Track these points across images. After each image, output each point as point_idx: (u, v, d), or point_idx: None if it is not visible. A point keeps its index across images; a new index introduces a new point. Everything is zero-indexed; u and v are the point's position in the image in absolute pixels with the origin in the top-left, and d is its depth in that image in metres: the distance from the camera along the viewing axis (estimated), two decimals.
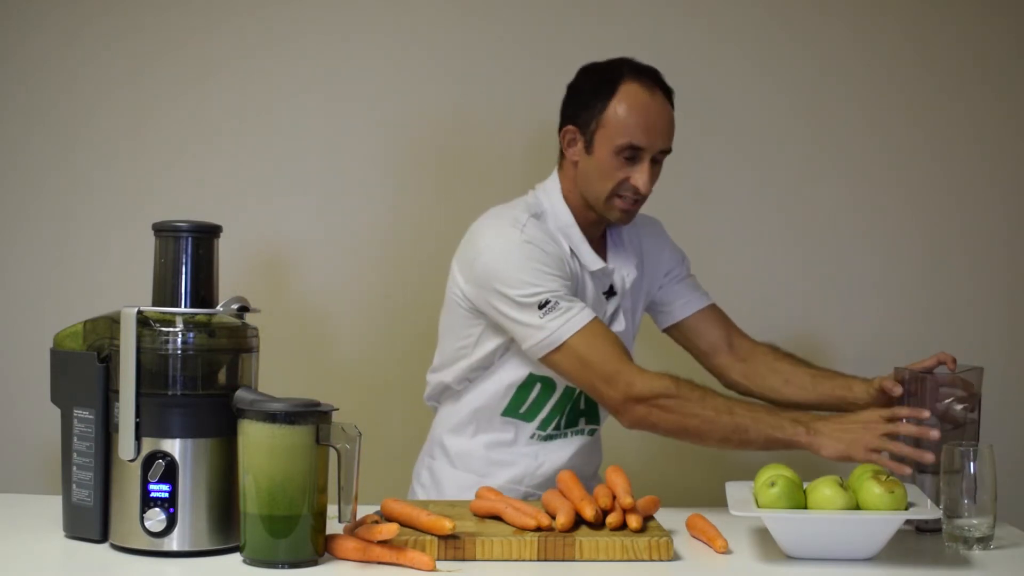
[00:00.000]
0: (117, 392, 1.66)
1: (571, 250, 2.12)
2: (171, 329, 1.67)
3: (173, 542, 1.65)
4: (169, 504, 1.64)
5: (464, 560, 1.63)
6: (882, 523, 1.64)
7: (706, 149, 2.95)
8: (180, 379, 1.67)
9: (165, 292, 1.72)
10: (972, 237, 2.96)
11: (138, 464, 1.65)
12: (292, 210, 2.88)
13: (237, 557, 1.65)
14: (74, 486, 1.73)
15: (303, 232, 2.89)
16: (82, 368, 1.72)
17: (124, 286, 2.71)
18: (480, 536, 1.64)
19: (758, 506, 1.69)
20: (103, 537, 1.72)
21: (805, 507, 1.69)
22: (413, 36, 2.93)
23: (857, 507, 1.68)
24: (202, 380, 1.68)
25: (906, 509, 1.68)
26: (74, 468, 1.73)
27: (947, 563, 1.68)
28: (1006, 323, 2.96)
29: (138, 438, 1.66)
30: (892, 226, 2.97)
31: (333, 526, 1.68)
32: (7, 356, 2.90)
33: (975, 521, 1.73)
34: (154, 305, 1.71)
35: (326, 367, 2.88)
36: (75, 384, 1.72)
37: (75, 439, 1.72)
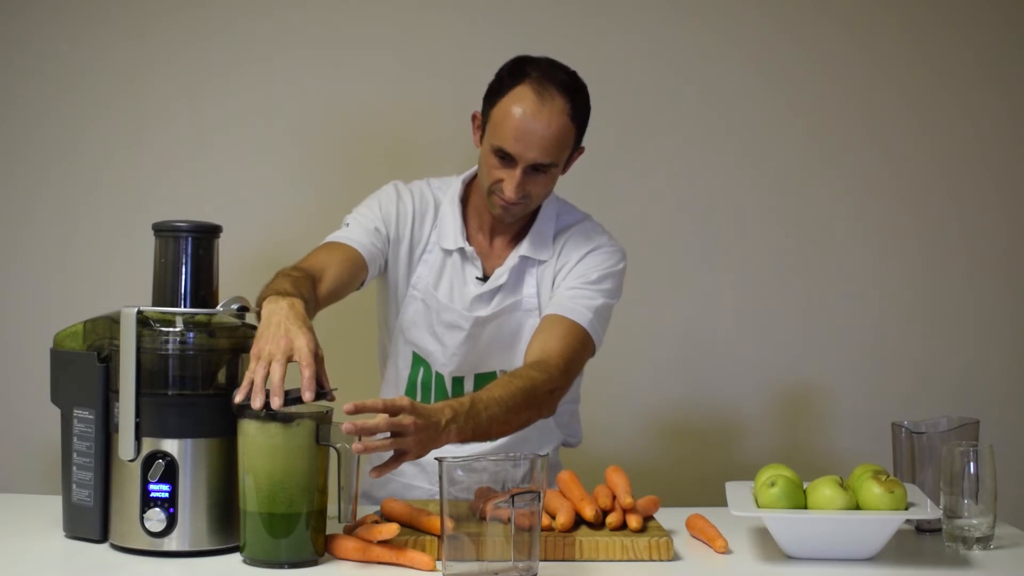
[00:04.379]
0: (117, 392, 1.66)
1: (435, 220, 2.16)
2: (171, 329, 1.67)
3: (173, 542, 1.65)
4: (169, 504, 1.64)
5: (465, 560, 1.63)
6: (882, 523, 1.64)
7: (704, 150, 2.95)
8: (180, 379, 1.67)
9: (165, 292, 1.72)
10: (972, 237, 2.96)
11: (138, 464, 1.65)
12: (292, 210, 2.88)
13: (237, 557, 1.65)
14: (74, 486, 1.73)
15: (303, 232, 2.88)
16: (82, 368, 1.72)
17: (124, 286, 2.71)
18: (482, 536, 1.64)
19: (758, 506, 1.69)
20: (103, 537, 1.72)
21: (805, 507, 1.69)
22: (414, 39, 2.93)
23: (857, 507, 1.68)
24: (202, 380, 1.68)
25: (906, 509, 1.68)
26: (74, 468, 1.73)
27: (947, 563, 1.68)
28: (1006, 323, 2.96)
29: (138, 438, 1.66)
30: (891, 228, 2.97)
31: (333, 526, 1.68)
32: (7, 356, 2.90)
33: (975, 521, 1.73)
34: (154, 305, 1.71)
35: (326, 367, 2.88)
36: (75, 384, 1.72)
37: (75, 439, 1.72)
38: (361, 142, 2.91)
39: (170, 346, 1.66)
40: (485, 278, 2.15)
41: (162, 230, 1.73)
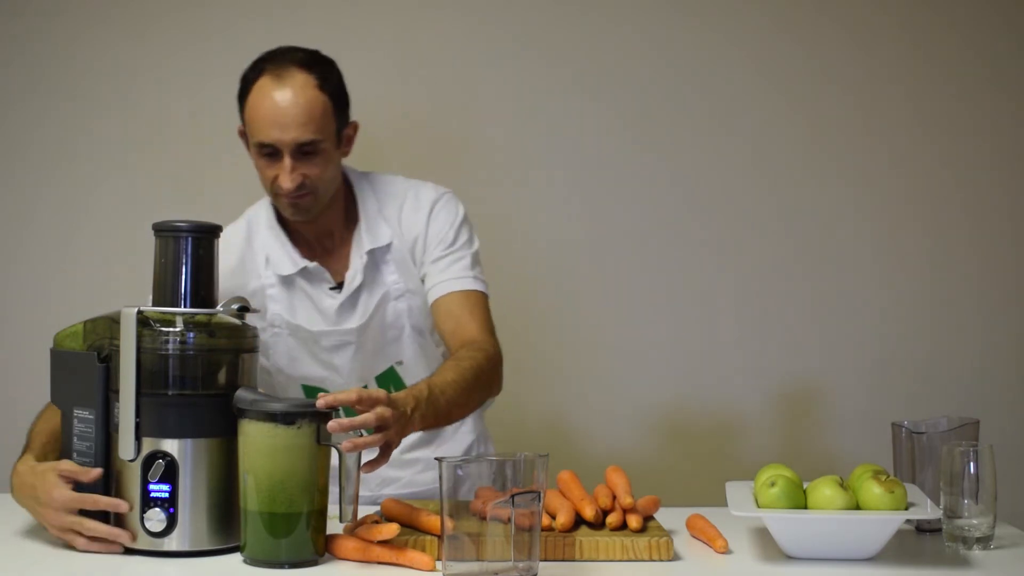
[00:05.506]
0: (117, 392, 1.66)
1: (268, 255, 2.08)
2: (171, 329, 1.67)
3: (173, 542, 1.65)
4: (169, 504, 1.64)
5: (465, 560, 1.63)
6: (882, 523, 1.64)
7: (705, 150, 2.95)
8: (180, 379, 1.66)
9: (165, 292, 1.72)
10: (974, 236, 2.96)
11: (138, 464, 1.65)
12: None
13: (237, 557, 1.65)
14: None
15: None
16: (82, 368, 1.71)
17: (124, 286, 2.71)
18: (482, 536, 1.64)
19: (758, 506, 1.69)
20: None
21: (805, 507, 1.69)
22: (414, 39, 2.93)
23: (857, 507, 1.68)
24: (202, 380, 1.68)
25: (906, 509, 1.68)
26: None
27: (947, 563, 1.68)
28: (1009, 323, 2.96)
29: (138, 438, 1.65)
30: (892, 228, 2.97)
31: (333, 526, 1.68)
32: (7, 356, 2.90)
33: (975, 521, 1.73)
34: (154, 305, 1.71)
35: None
36: (75, 384, 1.72)
37: (75, 439, 1.72)
38: (360, 142, 2.90)
39: (170, 346, 1.66)
40: (339, 285, 2.11)
41: (162, 230, 1.73)
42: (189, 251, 1.72)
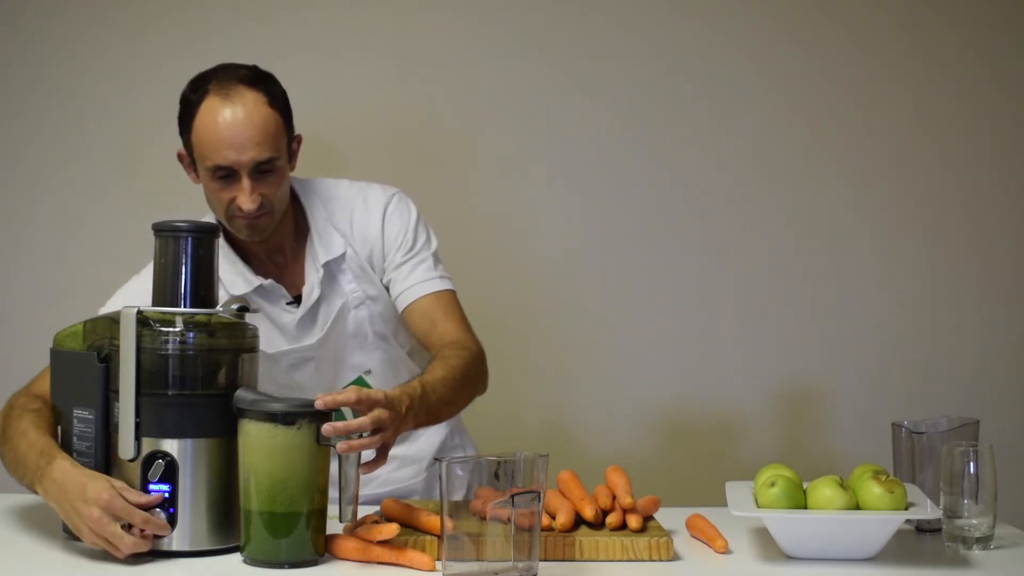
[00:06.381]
0: (117, 392, 1.66)
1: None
2: (171, 329, 1.67)
3: (173, 542, 1.65)
4: (169, 504, 1.64)
5: (465, 560, 1.63)
6: (882, 523, 1.64)
7: (705, 150, 2.95)
8: (180, 379, 1.66)
9: (165, 292, 1.72)
10: (975, 236, 2.96)
11: (138, 464, 1.65)
12: None
13: (237, 557, 1.65)
14: None
15: None
16: (82, 368, 1.72)
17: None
18: (482, 536, 1.64)
19: (758, 506, 1.69)
20: None
21: (805, 507, 1.69)
22: (414, 39, 2.93)
23: (857, 507, 1.68)
24: (202, 380, 1.68)
25: (906, 509, 1.68)
26: None
27: (947, 563, 1.68)
28: (1010, 323, 2.96)
29: (138, 438, 1.65)
30: (893, 228, 2.97)
31: (333, 526, 1.68)
32: (7, 356, 2.90)
33: (975, 521, 1.73)
34: (154, 305, 1.71)
35: None
36: (75, 384, 1.72)
37: (75, 439, 1.72)
38: (361, 142, 2.91)
39: (170, 346, 1.66)
40: (296, 299, 2.08)
41: (162, 230, 1.73)
42: (189, 251, 1.72)
